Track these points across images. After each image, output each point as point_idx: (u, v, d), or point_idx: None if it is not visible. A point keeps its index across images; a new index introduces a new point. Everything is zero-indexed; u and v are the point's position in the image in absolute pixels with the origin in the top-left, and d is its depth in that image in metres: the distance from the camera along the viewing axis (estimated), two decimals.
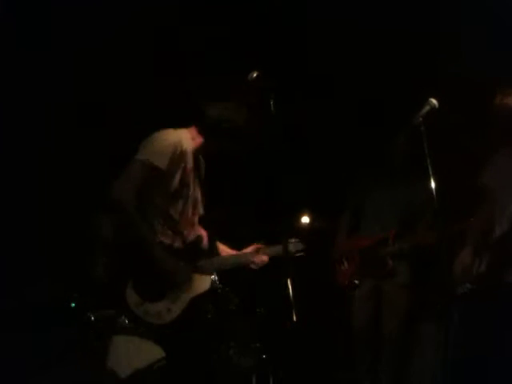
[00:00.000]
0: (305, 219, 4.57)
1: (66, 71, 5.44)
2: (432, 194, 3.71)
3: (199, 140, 4.07)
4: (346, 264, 5.27)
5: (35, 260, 5.00)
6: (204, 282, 4.01)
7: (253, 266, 4.27)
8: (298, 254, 4.34)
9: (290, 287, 3.41)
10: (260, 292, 5.17)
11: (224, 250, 4.29)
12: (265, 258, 4.24)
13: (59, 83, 5.41)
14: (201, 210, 4.13)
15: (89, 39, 5.43)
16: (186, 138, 4.02)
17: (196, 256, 4.03)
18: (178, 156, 3.91)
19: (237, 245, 4.40)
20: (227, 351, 4.02)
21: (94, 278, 4.61)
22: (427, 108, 3.76)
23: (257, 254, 4.25)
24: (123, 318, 3.94)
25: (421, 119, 3.72)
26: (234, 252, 4.31)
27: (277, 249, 4.22)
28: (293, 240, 4.35)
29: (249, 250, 4.30)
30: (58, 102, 5.43)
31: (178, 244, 3.98)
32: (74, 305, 4.45)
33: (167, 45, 5.60)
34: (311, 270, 5.45)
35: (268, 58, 5.45)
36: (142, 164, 3.83)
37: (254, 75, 3.63)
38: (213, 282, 4.04)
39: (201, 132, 4.06)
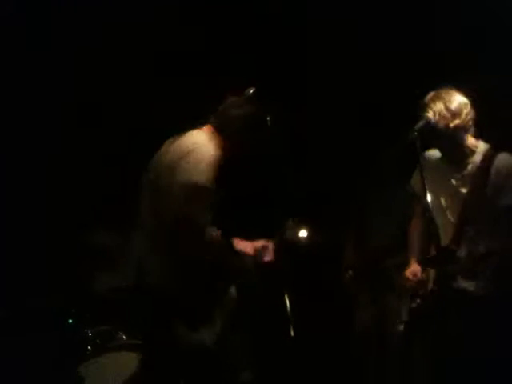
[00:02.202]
0: (303, 233, 4.59)
1: (66, 71, 5.45)
2: (428, 207, 3.75)
3: (218, 141, 3.93)
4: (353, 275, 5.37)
5: (35, 272, 5.04)
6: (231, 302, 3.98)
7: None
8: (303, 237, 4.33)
9: (288, 303, 3.44)
10: (257, 306, 5.22)
11: (239, 242, 4.18)
12: (272, 258, 4.21)
13: (59, 83, 5.42)
14: None
15: (89, 39, 5.43)
16: (212, 145, 3.89)
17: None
18: (215, 170, 3.81)
19: None
20: (225, 366, 4.03)
21: (94, 293, 4.64)
22: (422, 122, 3.77)
23: (267, 252, 4.22)
24: (121, 334, 3.94)
25: (416, 134, 3.72)
26: (248, 245, 4.24)
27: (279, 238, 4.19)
28: (291, 222, 4.35)
29: (259, 244, 4.18)
30: (58, 102, 5.45)
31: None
32: (71, 321, 4.46)
33: (167, 45, 5.60)
34: (312, 279, 5.54)
35: (267, 60, 5.51)
36: (200, 187, 3.70)
37: (251, 91, 3.64)
38: None
39: (223, 133, 3.94)
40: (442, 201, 4.03)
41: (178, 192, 3.70)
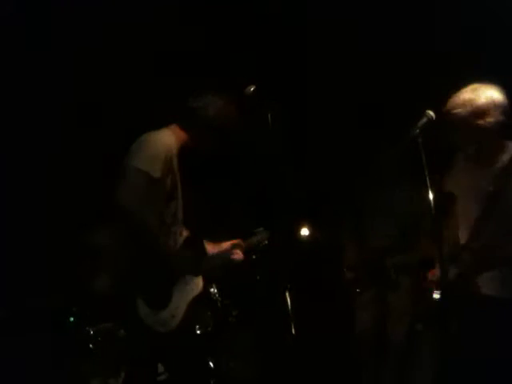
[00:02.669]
0: (304, 231, 4.59)
1: (66, 71, 5.45)
2: (430, 204, 3.74)
3: (182, 138, 4.06)
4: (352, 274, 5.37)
5: (35, 272, 5.03)
6: (198, 284, 4.07)
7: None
8: (264, 243, 4.45)
9: (289, 300, 3.46)
10: (259, 304, 5.22)
11: (209, 245, 4.34)
12: (241, 256, 4.34)
13: (59, 83, 5.42)
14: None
15: (89, 39, 5.43)
16: (172, 140, 4.02)
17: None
18: (168, 162, 3.93)
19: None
20: (226, 363, 4.04)
21: (93, 291, 4.64)
22: (424, 120, 3.75)
23: (235, 251, 4.34)
24: (122, 331, 3.95)
25: (418, 131, 3.71)
26: (217, 247, 4.37)
27: (249, 241, 4.39)
28: (260, 229, 4.45)
29: (228, 245, 4.38)
30: (58, 102, 5.44)
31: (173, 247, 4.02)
32: (72, 319, 4.46)
33: (167, 45, 5.60)
34: (312, 278, 5.53)
35: (267, 60, 5.51)
36: (139, 172, 3.82)
37: (252, 89, 3.65)
38: (212, 294, 4.08)
39: (186, 129, 4.06)
40: (470, 200, 3.98)
41: (125, 174, 3.83)
